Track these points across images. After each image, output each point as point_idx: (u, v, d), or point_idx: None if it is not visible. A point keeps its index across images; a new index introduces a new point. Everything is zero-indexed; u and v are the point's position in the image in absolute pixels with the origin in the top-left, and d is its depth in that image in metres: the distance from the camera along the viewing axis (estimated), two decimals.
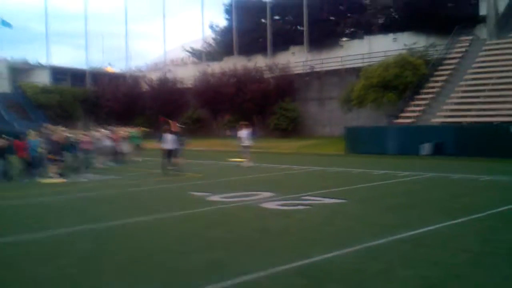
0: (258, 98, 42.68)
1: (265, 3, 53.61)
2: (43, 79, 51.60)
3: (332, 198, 12.18)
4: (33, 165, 19.05)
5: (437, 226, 8.85)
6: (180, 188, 14.86)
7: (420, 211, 10.39)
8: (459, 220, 9.30)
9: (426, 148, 25.12)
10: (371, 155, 25.94)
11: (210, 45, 63.25)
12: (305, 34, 47.06)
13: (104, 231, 9.21)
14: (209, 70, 48.90)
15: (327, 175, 18.18)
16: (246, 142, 22.15)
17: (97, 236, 8.75)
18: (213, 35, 61.18)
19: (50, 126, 20.03)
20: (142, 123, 39.00)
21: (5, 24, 51.64)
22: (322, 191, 13.45)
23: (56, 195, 14.18)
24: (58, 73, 53.97)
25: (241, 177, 17.62)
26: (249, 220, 9.88)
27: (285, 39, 50.21)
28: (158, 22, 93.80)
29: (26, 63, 54.99)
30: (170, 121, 20.56)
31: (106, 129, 25.54)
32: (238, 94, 43.33)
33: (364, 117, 36.57)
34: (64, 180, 17.82)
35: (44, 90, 45.79)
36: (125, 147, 25.33)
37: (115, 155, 24.46)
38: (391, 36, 43.68)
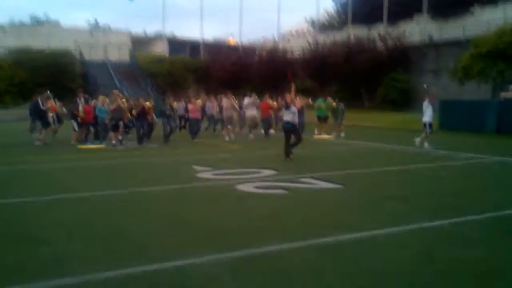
0: (366, 69, 39.87)
1: None
2: (162, 50, 53.12)
3: (331, 182, 10.25)
4: (99, 129, 19.16)
5: (392, 229, 6.76)
6: (191, 161, 13.59)
7: (409, 206, 8.19)
8: (434, 223, 7.06)
9: None
10: (466, 132, 22.66)
11: (331, 15, 61.01)
12: (425, 1, 43.09)
13: (23, 206, 8.40)
14: (323, 40, 46.77)
15: (377, 153, 15.97)
16: (426, 118, 16.88)
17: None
18: (334, 5, 58.85)
19: (115, 92, 19.46)
20: (249, 91, 37.86)
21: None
22: (333, 173, 11.53)
23: (67, 162, 13.88)
24: (176, 44, 55.23)
25: (276, 152, 15.91)
26: (190, 204, 8.49)
27: (410, 7, 46.42)
28: None
29: (148, 34, 57.21)
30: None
31: (251, 96, 22.94)
32: (346, 64, 40.88)
33: (484, 90, 32.27)
34: (103, 146, 17.57)
35: (156, 60, 47.02)
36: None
37: (270, 125, 21.89)
38: None
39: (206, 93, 47.96)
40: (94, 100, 20.24)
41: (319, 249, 5.92)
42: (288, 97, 14.13)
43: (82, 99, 19.72)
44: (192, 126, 20.73)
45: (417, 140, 17.22)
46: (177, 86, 45.38)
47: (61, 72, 41.35)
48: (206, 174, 11.46)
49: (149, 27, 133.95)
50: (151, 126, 19.73)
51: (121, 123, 18.37)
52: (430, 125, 16.91)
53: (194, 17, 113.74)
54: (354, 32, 45.00)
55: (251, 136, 20.91)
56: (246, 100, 22.39)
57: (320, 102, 22.59)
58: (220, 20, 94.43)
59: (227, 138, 20.23)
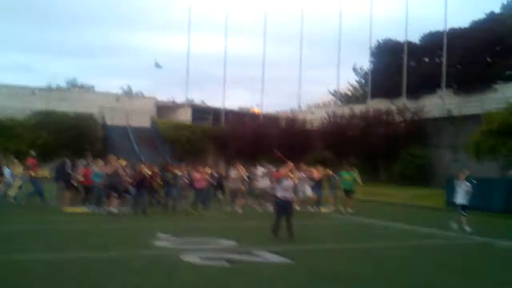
0: (383, 143, 39.54)
1: (414, 45, 50.86)
2: (186, 117, 54.08)
3: (283, 256, 9.87)
4: (92, 194, 19.08)
5: None
6: (160, 229, 13.21)
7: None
8: None
9: None
10: (472, 211, 21.76)
11: (355, 87, 61.58)
12: (443, 76, 43.31)
13: None
14: (342, 112, 46.97)
15: (358, 230, 15.62)
16: (458, 199, 16.20)
17: None
18: (356, 78, 59.53)
19: (111, 156, 19.30)
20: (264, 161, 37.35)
21: (157, 65, 55.76)
22: (294, 247, 11.16)
23: (34, 224, 13.93)
24: (200, 111, 56.19)
25: (259, 224, 15.57)
26: (117, 273, 8.29)
27: (433, 81, 46.56)
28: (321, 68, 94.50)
29: (173, 102, 58.59)
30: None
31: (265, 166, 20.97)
32: (363, 138, 40.67)
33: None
34: (86, 210, 17.46)
35: (174, 127, 47.69)
36: (307, 189, 20.14)
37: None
38: None
39: (226, 162, 48.28)
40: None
41: None
42: (283, 171, 13.14)
43: (84, 162, 19.95)
44: (197, 197, 18.95)
45: (453, 225, 15.53)
46: (196, 154, 45.65)
47: (82, 135, 42.23)
48: (163, 242, 11.22)
49: (182, 95, 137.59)
50: (152, 194, 19.39)
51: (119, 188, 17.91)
52: (462, 207, 15.65)
53: (227, 85, 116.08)
54: (376, 105, 45.04)
55: (260, 208, 19.52)
56: (260, 170, 20.55)
57: (345, 174, 20.82)
58: (249, 89, 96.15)
59: (240, 211, 18.81)
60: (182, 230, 13.34)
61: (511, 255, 11.64)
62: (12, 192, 19.07)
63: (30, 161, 19.78)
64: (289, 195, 12.48)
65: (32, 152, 20.95)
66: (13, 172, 19.56)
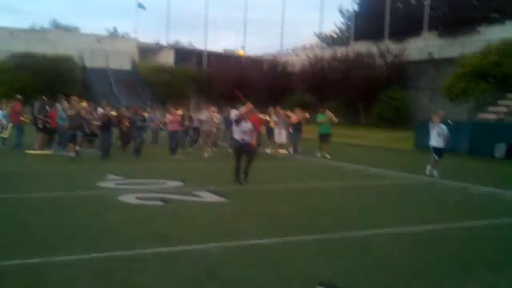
0: (364, 86, 39.45)
1: None
2: (168, 59, 53.53)
3: (221, 196, 10.05)
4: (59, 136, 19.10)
5: (211, 245, 6.57)
6: (111, 170, 13.33)
7: (265, 224, 8.00)
8: (255, 242, 6.85)
9: (500, 149, 20.78)
10: None
11: (341, 30, 60.77)
12: (425, 18, 42.69)
13: None
14: (324, 55, 46.58)
15: (314, 170, 15.89)
16: (431, 142, 14.59)
17: None
18: (342, 20, 58.68)
19: (73, 98, 18.87)
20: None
21: (141, 6, 54.68)
22: (238, 187, 11.32)
23: None
24: (183, 54, 55.60)
25: (216, 166, 15.79)
26: (45, 212, 8.44)
27: (418, 24, 46.00)
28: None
29: (156, 44, 57.77)
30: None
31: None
32: (344, 81, 40.52)
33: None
34: (49, 152, 17.52)
35: (156, 70, 47.25)
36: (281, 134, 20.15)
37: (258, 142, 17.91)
38: None
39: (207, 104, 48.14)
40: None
41: (106, 261, 5.79)
42: (242, 111, 12.81)
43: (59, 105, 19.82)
44: (170, 140, 18.50)
45: (428, 168, 14.57)
46: (177, 97, 45.41)
47: (61, 78, 41.85)
48: (109, 183, 11.36)
49: (169, 37, 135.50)
50: (125, 136, 19.38)
51: (79, 132, 17.82)
52: (435, 149, 14.41)
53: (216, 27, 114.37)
54: (359, 48, 44.65)
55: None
56: (233, 113, 19.52)
57: (320, 117, 19.93)
58: (238, 31, 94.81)
59: (206, 155, 18.43)
60: (136, 172, 13.47)
61: (448, 194, 11.77)
62: (5, 134, 19.10)
63: (17, 105, 19.44)
64: (247, 137, 11.99)
65: (18, 96, 20.65)
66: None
